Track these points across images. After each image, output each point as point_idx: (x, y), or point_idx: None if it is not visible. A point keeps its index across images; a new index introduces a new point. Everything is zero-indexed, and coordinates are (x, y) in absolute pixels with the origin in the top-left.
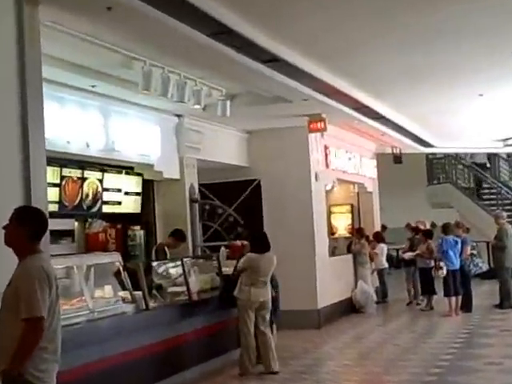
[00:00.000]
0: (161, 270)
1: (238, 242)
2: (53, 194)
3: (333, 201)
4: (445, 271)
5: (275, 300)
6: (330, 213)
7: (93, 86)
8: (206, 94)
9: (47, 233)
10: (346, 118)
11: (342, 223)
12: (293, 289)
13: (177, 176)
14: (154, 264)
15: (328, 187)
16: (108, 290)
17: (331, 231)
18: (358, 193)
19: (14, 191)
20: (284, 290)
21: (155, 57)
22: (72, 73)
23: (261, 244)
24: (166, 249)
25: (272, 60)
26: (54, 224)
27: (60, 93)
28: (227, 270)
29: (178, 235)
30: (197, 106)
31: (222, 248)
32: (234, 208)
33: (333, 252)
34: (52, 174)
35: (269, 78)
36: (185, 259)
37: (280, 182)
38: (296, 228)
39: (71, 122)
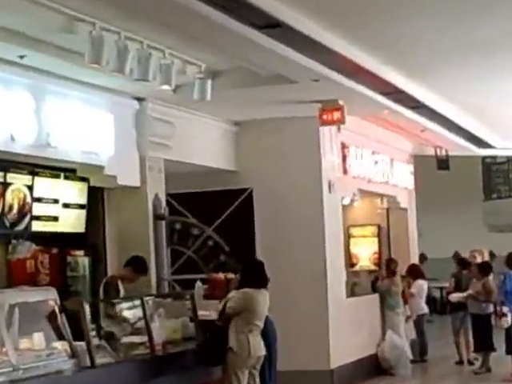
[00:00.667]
0: (112, 312)
1: (221, 275)
2: None
3: (353, 220)
4: (509, 320)
5: (270, 355)
6: (348, 237)
7: (21, 57)
8: (178, 71)
9: None
10: (373, 106)
11: (365, 251)
12: (296, 341)
13: (136, 183)
14: (103, 304)
15: (346, 201)
16: (38, 339)
17: (350, 262)
18: (387, 209)
19: None
20: (283, 342)
21: (108, 17)
22: None
23: (258, 276)
24: (120, 283)
25: (271, 25)
26: None
27: None
28: (205, 313)
29: (136, 265)
30: (165, 87)
31: (198, 283)
32: (214, 228)
33: (352, 291)
34: None
35: (266, 49)
36: (146, 298)
37: (279, 194)
38: (301, 257)
39: None
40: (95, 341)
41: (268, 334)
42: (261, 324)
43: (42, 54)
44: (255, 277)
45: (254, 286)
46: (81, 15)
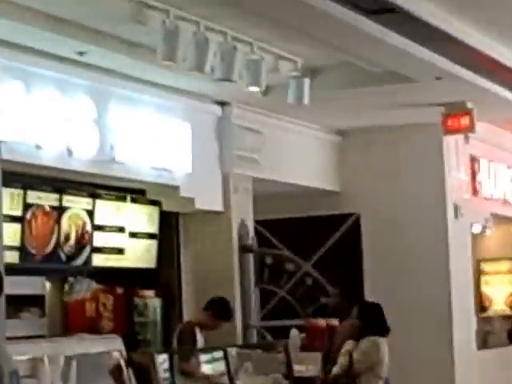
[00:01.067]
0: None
1: (321, 322)
2: (11, 234)
3: (484, 253)
4: None
5: None
6: (478, 273)
7: (80, 54)
8: (269, 68)
9: (1, 300)
10: (509, 109)
11: (500, 292)
12: None
13: (218, 207)
14: (178, 357)
15: (477, 229)
16: None
17: (481, 305)
18: None
19: None
20: None
21: (184, 4)
22: (48, 31)
23: (382, 323)
24: (198, 331)
25: (383, 10)
26: (11, 286)
27: (27, 64)
28: (302, 369)
29: (218, 309)
30: (254, 89)
31: (294, 331)
32: (314, 263)
33: (484, 341)
34: (10, 202)
35: (377, 39)
36: (230, 349)
37: (393, 220)
38: (420, 298)
39: (42, 113)
40: None
41: None
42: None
43: (105, 49)
44: (379, 323)
45: (379, 333)
46: (152, 1)
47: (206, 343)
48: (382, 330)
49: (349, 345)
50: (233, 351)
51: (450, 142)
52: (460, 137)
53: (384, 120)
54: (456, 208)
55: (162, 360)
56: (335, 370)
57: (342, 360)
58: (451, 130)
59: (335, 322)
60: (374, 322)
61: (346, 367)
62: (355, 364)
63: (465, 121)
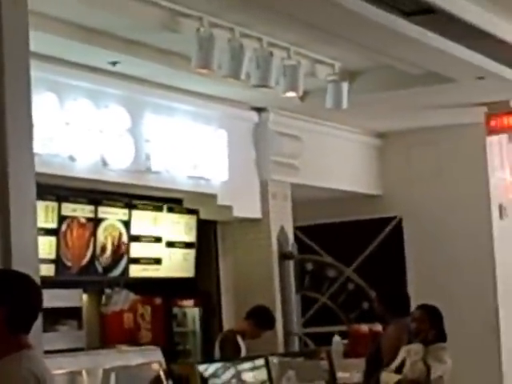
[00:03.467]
0: (228, 375)
1: (364, 327)
2: (46, 246)
3: None
4: None
5: None
6: None
7: (113, 64)
8: (306, 73)
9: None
10: None
11: None
12: None
13: (257, 214)
14: (219, 366)
15: None
16: None
17: None
18: None
19: None
20: None
21: (218, 11)
22: (79, 42)
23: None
24: (241, 340)
25: (422, 11)
26: (48, 299)
27: (60, 76)
28: (345, 376)
29: (259, 317)
30: (291, 94)
31: (337, 337)
32: (355, 268)
33: None
34: (45, 214)
35: (416, 40)
36: (271, 358)
37: (436, 223)
38: (465, 303)
39: (77, 125)
40: None
41: None
42: None
43: (139, 59)
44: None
45: (445, 339)
46: (185, 9)
47: (248, 352)
48: (446, 336)
49: (414, 350)
50: (274, 359)
51: (494, 142)
52: (504, 136)
53: (425, 121)
54: (501, 209)
55: (203, 370)
56: (408, 373)
57: (418, 365)
58: (494, 129)
59: (378, 327)
60: (442, 327)
61: (424, 372)
62: (432, 370)
63: (508, 120)
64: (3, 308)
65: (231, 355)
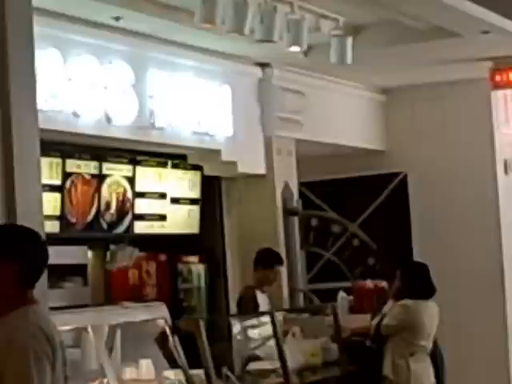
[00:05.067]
0: (234, 331)
1: (369, 283)
2: (51, 203)
3: None
4: None
5: None
6: None
7: (116, 19)
8: (310, 27)
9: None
10: None
11: None
12: (468, 373)
13: (261, 170)
14: (224, 322)
15: None
16: (146, 367)
17: None
18: None
19: None
20: (451, 375)
21: None
22: None
23: (423, 283)
24: (260, 294)
25: None
26: (52, 255)
27: (62, 31)
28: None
29: (264, 259)
30: (295, 49)
31: (342, 293)
32: (360, 224)
33: None
34: (49, 170)
35: None
36: (277, 313)
37: (440, 179)
38: (470, 259)
39: (80, 81)
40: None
41: (435, 360)
42: (428, 344)
43: (142, 13)
44: (419, 284)
45: (419, 296)
46: None
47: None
48: (423, 292)
49: (385, 307)
50: (280, 315)
51: (499, 97)
52: (509, 91)
53: (429, 77)
54: (506, 164)
55: (209, 326)
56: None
57: (372, 323)
58: (499, 85)
59: (383, 283)
60: (413, 283)
61: (373, 331)
62: (381, 328)
63: None
64: (15, 263)
65: (251, 313)
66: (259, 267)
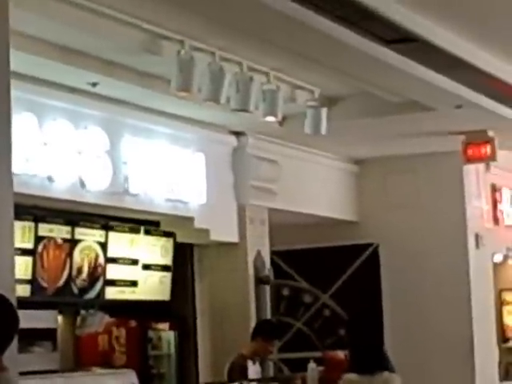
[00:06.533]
0: None
1: (340, 354)
2: (22, 267)
3: (506, 282)
4: None
5: None
6: (500, 304)
7: (93, 85)
8: (285, 98)
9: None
10: None
11: None
12: None
13: (234, 238)
14: None
15: (498, 258)
16: None
17: (503, 336)
18: None
19: None
20: None
21: (199, 34)
22: (60, 62)
23: (363, 357)
24: (251, 364)
25: (402, 39)
26: (23, 319)
27: (38, 96)
28: None
29: (265, 331)
30: (270, 119)
31: (312, 364)
32: (331, 294)
33: (506, 373)
34: (21, 234)
35: (396, 68)
36: None
37: (412, 250)
38: (441, 330)
39: (55, 146)
40: None
41: None
42: None
43: (118, 80)
44: (361, 357)
45: (359, 369)
46: (166, 32)
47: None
48: (361, 366)
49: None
50: None
51: (471, 170)
52: (481, 165)
53: (402, 149)
54: (477, 238)
55: None
56: None
57: None
58: (472, 158)
59: None
60: (355, 355)
61: None
62: None
63: (486, 149)
64: None
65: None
66: (258, 338)
